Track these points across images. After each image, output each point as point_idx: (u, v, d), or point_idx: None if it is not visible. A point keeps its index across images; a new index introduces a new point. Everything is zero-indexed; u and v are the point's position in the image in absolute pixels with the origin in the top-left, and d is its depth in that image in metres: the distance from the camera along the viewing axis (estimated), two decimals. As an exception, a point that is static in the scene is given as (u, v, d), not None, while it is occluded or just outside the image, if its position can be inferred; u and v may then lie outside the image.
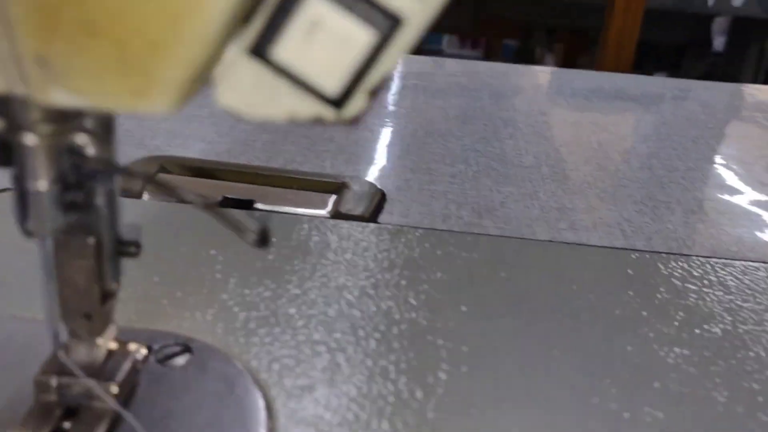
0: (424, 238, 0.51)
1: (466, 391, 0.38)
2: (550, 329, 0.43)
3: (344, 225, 0.52)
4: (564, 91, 1.01)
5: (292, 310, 0.43)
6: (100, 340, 0.34)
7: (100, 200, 0.31)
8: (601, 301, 0.46)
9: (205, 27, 0.21)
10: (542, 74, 1.13)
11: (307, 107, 0.23)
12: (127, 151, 0.66)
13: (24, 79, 0.23)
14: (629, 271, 0.49)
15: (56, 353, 0.33)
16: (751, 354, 0.42)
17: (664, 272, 0.50)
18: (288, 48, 0.22)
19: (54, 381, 0.32)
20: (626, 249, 0.53)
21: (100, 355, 0.33)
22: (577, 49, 2.85)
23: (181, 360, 0.38)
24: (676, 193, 0.65)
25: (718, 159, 0.78)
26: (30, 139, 0.25)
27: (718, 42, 2.80)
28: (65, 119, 0.26)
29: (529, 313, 0.44)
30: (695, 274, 0.50)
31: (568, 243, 0.55)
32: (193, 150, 0.66)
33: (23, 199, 0.27)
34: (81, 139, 0.28)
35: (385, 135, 0.75)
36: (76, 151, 0.28)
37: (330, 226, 0.52)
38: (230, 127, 0.72)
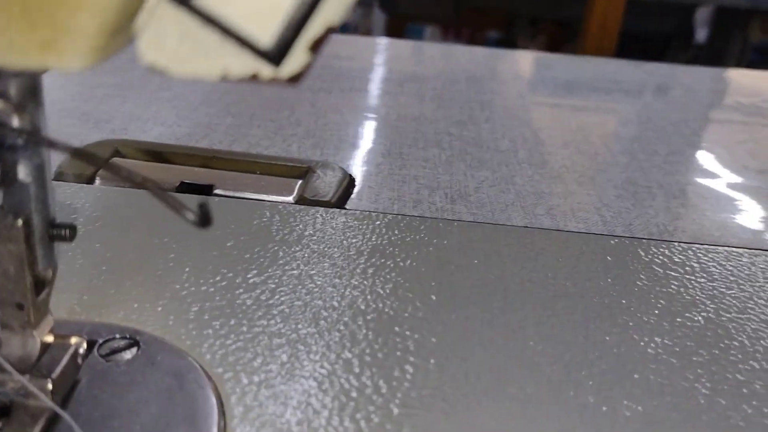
0: (393, 224, 0.48)
1: (434, 385, 0.35)
2: (524, 319, 0.40)
3: (309, 211, 0.49)
4: (544, 76, 0.99)
5: (250, 301, 0.40)
6: (34, 333, 0.31)
7: (26, 177, 0.28)
8: (578, 288, 0.43)
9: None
10: (523, 59, 1.10)
11: (242, 63, 0.20)
12: (82, 134, 0.62)
13: None
14: (608, 257, 0.47)
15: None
16: (735, 343, 0.40)
17: (645, 258, 0.47)
18: (215, -7, 0.19)
19: None
20: (605, 235, 0.51)
21: (34, 348, 0.30)
22: (560, 40, 2.83)
23: (127, 354, 0.35)
24: (658, 178, 0.63)
25: (700, 144, 0.76)
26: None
27: (701, 33, 2.79)
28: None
29: (502, 301, 0.42)
30: (676, 260, 0.48)
31: (544, 229, 0.52)
32: (152, 134, 0.63)
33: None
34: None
35: (356, 118, 0.72)
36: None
37: (294, 212, 0.49)
38: (192, 110, 0.69)
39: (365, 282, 0.42)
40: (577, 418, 0.34)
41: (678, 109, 0.85)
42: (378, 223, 0.48)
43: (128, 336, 0.36)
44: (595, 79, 0.96)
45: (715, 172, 0.67)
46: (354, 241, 0.46)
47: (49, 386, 0.30)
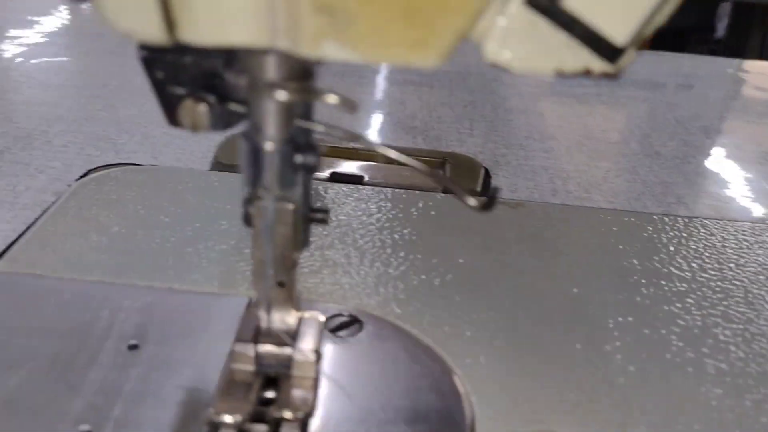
0: (551, 213, 0.51)
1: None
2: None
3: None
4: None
5: (461, 284, 0.43)
6: (293, 309, 0.33)
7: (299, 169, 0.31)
8: None
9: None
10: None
11: (578, 60, 0.23)
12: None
13: (293, 32, 0.22)
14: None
15: (255, 323, 0.33)
16: None
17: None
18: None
19: (252, 350, 0.32)
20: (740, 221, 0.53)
21: (294, 323, 0.33)
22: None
23: (352, 331, 0.38)
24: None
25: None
26: (281, 96, 0.25)
27: (720, 28, 2.77)
28: (306, 79, 0.26)
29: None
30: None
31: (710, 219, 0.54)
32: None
33: (255, 157, 0.27)
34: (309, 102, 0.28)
35: (465, 112, 0.75)
36: (305, 115, 0.28)
37: (443, 201, 0.52)
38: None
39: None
40: None
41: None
42: (539, 212, 0.51)
43: (352, 315, 0.39)
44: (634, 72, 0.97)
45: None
46: (528, 229, 0.49)
47: (314, 357, 0.32)
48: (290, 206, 0.31)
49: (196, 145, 0.62)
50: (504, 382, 0.35)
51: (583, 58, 0.23)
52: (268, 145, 0.26)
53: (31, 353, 0.35)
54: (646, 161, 0.61)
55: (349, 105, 0.26)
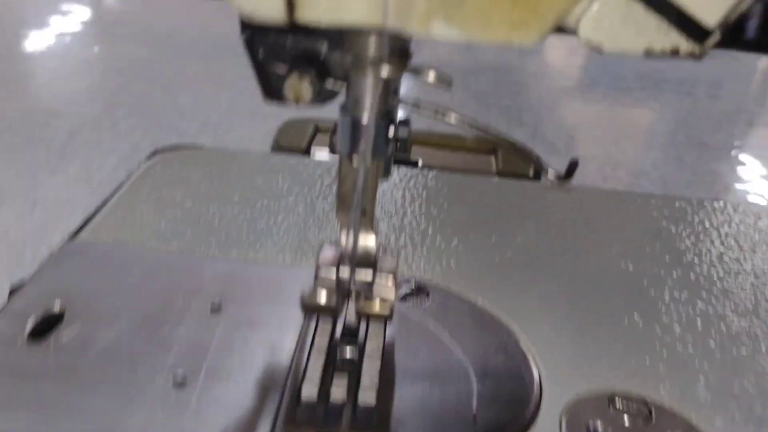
0: (604, 199, 0.52)
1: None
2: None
3: (527, 185, 0.54)
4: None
5: (520, 262, 0.45)
6: (373, 236, 0.35)
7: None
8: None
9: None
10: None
11: (667, 40, 0.25)
12: (274, 113, 0.67)
13: (404, 12, 0.24)
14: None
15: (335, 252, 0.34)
16: None
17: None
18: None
19: (333, 274, 0.34)
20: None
21: (374, 249, 0.34)
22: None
23: (419, 300, 0.40)
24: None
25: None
26: (385, 72, 0.27)
27: (750, 28, 2.74)
28: (405, 57, 0.28)
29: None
30: None
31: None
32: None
33: (353, 129, 0.29)
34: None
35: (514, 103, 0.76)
36: (396, 91, 0.30)
37: (501, 185, 0.54)
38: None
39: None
40: None
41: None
42: (591, 197, 0.53)
43: (417, 283, 0.41)
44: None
45: None
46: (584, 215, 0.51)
47: (391, 282, 0.34)
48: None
49: (254, 130, 0.65)
50: (567, 347, 0.37)
51: (672, 39, 0.25)
52: (366, 118, 0.29)
53: (122, 312, 0.37)
54: (693, 151, 0.63)
55: (445, 81, 0.28)
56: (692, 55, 0.25)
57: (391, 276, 0.34)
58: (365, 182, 0.33)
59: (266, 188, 0.52)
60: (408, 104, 0.31)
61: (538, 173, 0.58)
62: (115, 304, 0.38)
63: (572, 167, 0.29)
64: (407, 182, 0.53)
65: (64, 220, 0.46)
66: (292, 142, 0.59)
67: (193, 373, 0.34)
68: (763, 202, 0.54)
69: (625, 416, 0.33)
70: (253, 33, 0.30)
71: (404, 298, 0.40)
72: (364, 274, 0.34)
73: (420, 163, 0.58)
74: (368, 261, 0.34)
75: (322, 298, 0.33)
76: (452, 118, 0.31)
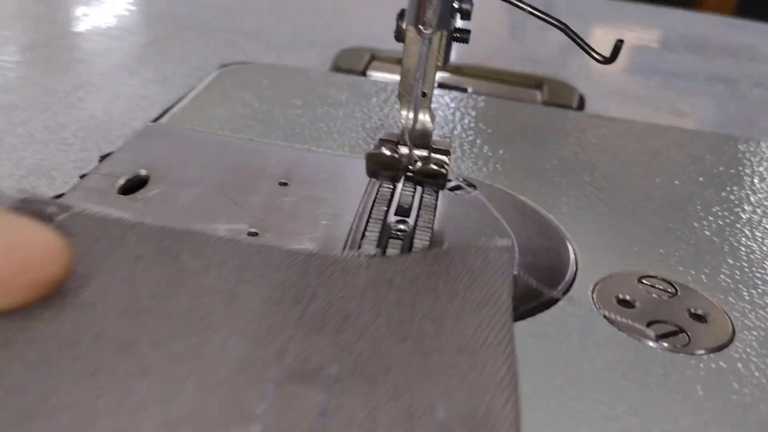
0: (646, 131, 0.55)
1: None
2: None
3: (571, 113, 0.56)
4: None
5: (562, 172, 0.48)
6: (429, 117, 0.38)
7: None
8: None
9: None
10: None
11: None
12: (328, 42, 0.71)
13: None
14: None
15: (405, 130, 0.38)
16: None
17: None
18: None
19: (387, 150, 0.37)
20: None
21: (431, 128, 0.38)
22: None
23: (466, 192, 0.44)
24: None
25: None
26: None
27: None
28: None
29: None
30: None
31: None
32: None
33: (420, 3, 0.33)
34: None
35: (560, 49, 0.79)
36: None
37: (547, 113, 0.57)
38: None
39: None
40: None
41: None
42: (632, 128, 0.56)
43: (464, 179, 0.44)
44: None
45: None
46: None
47: (448, 158, 0.37)
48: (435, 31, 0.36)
49: (314, 56, 0.69)
50: (603, 234, 0.41)
51: None
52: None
53: (199, 181, 0.42)
54: (733, 101, 0.65)
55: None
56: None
57: (446, 150, 0.38)
58: (425, 65, 0.36)
59: (327, 97, 0.56)
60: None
61: (582, 107, 0.61)
62: (193, 174, 0.42)
63: (617, 48, 0.32)
64: (457, 103, 0.57)
65: (143, 111, 0.51)
66: (351, 65, 0.63)
67: (262, 230, 0.38)
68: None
69: (653, 291, 0.37)
70: None
71: (453, 189, 0.44)
72: (422, 148, 0.38)
73: (470, 90, 0.61)
74: (426, 137, 0.38)
75: (386, 151, 0.37)
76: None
